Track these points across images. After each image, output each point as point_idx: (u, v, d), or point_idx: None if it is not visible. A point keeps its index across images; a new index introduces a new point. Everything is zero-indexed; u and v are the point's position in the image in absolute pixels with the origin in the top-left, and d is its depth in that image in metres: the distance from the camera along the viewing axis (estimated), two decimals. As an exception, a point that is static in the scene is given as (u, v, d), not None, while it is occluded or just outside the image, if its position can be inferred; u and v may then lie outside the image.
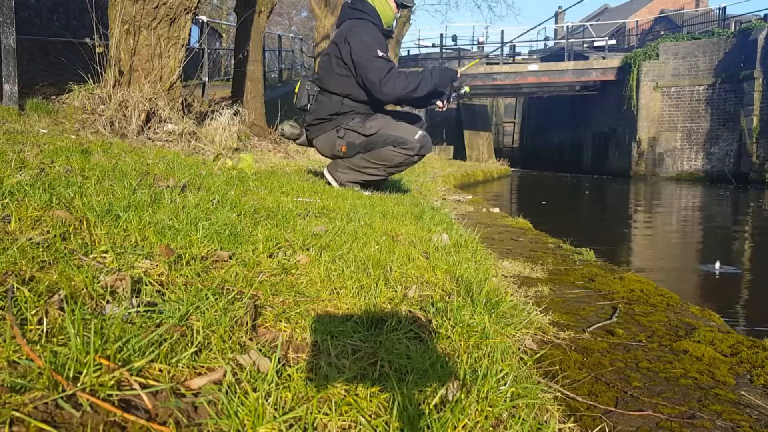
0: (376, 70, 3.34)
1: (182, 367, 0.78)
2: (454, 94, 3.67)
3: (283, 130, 3.71)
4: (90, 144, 3.42)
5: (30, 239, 1.11)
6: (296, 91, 3.70)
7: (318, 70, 3.72)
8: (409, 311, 1.22)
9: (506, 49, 27.01)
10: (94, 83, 4.80)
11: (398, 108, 4.18)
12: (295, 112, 3.86)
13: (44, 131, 3.63)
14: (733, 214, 9.79)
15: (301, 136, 3.75)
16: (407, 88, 3.36)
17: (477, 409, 0.83)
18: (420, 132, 3.46)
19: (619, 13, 39.15)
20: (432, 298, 1.35)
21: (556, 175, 24.59)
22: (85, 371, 0.69)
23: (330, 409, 0.76)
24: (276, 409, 0.73)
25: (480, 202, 5.62)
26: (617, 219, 8.61)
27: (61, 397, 0.65)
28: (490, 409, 0.85)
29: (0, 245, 1.05)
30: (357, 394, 0.81)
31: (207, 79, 9.04)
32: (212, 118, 5.84)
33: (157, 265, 1.15)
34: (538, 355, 1.20)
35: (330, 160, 3.77)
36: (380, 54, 3.37)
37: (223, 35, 22.33)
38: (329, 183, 3.61)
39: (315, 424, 0.73)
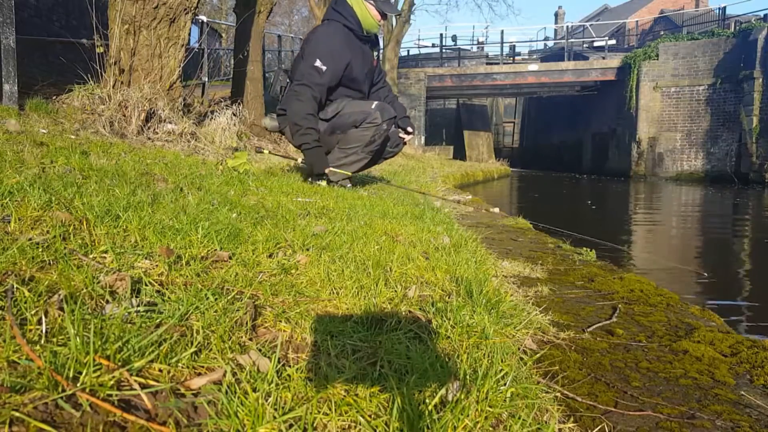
0: (298, 75, 3.42)
1: (182, 367, 0.78)
2: (309, 180, 3.58)
3: (264, 123, 3.79)
4: (90, 144, 3.42)
5: (30, 239, 1.11)
6: (272, 81, 3.78)
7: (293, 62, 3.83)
8: (409, 311, 1.22)
9: (506, 49, 27.03)
10: (93, 83, 4.79)
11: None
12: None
13: (44, 131, 3.63)
14: (733, 214, 9.79)
15: (280, 128, 3.79)
16: (292, 115, 3.39)
17: (477, 410, 0.83)
18: (375, 102, 3.52)
19: (619, 13, 39.15)
20: (432, 298, 1.35)
21: (558, 175, 24.59)
22: (84, 371, 0.69)
23: (330, 409, 0.76)
24: (276, 409, 0.73)
25: (480, 202, 5.62)
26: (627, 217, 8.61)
27: (61, 397, 0.65)
28: (490, 409, 0.85)
29: (0, 245, 1.05)
30: (357, 394, 0.81)
31: (207, 79, 9.04)
32: (212, 118, 5.84)
33: (156, 265, 1.15)
34: (538, 355, 1.20)
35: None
36: (317, 64, 3.38)
37: (223, 35, 22.33)
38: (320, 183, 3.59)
39: (315, 424, 0.73)
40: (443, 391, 0.85)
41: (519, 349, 1.22)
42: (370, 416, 0.77)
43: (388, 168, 7.78)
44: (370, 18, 3.59)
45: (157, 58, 4.88)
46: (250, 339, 0.93)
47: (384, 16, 3.67)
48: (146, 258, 1.17)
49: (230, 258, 1.31)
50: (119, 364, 0.73)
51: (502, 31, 26.80)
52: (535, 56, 29.76)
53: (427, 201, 3.98)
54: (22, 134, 3.22)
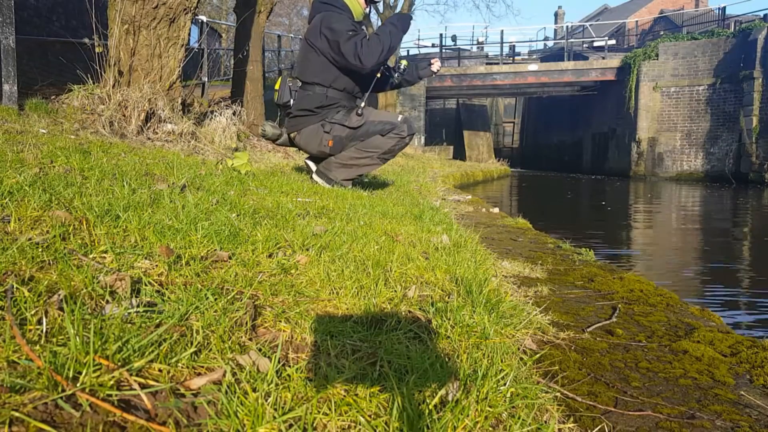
0: (351, 50, 3.41)
1: (182, 367, 0.78)
2: (396, 74, 3.86)
3: (264, 131, 3.75)
4: (89, 144, 3.42)
5: (29, 239, 1.11)
6: (277, 87, 3.72)
7: (297, 66, 3.76)
8: (409, 311, 1.22)
9: (506, 49, 27.03)
10: (93, 83, 4.79)
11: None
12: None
13: (44, 131, 3.63)
14: (733, 213, 9.79)
15: (281, 137, 3.75)
16: (384, 48, 3.41)
17: (477, 410, 0.83)
18: (401, 115, 3.64)
19: (619, 13, 39.16)
20: (431, 298, 1.35)
21: (558, 175, 24.58)
22: (84, 371, 0.69)
23: (330, 409, 0.76)
24: (276, 409, 0.73)
25: (480, 202, 5.61)
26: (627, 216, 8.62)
27: (61, 397, 0.65)
28: (490, 409, 0.85)
29: (0, 245, 1.05)
30: (357, 394, 0.81)
31: (207, 79, 9.04)
32: (212, 118, 5.84)
33: (156, 265, 1.14)
34: (537, 355, 1.20)
35: (314, 168, 3.75)
36: (350, 33, 3.43)
37: (223, 35, 22.33)
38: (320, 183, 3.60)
39: (314, 424, 0.73)
40: (443, 391, 0.85)
41: (519, 349, 1.22)
42: (370, 416, 0.77)
43: (388, 168, 7.78)
44: (357, 6, 3.67)
45: (156, 58, 4.88)
46: (250, 339, 0.93)
47: (369, 1, 3.74)
48: (146, 258, 1.17)
49: (230, 258, 1.31)
50: (119, 364, 0.73)
51: (502, 31, 26.79)
52: (535, 56, 29.77)
53: (426, 201, 3.98)
54: (21, 134, 3.21)
